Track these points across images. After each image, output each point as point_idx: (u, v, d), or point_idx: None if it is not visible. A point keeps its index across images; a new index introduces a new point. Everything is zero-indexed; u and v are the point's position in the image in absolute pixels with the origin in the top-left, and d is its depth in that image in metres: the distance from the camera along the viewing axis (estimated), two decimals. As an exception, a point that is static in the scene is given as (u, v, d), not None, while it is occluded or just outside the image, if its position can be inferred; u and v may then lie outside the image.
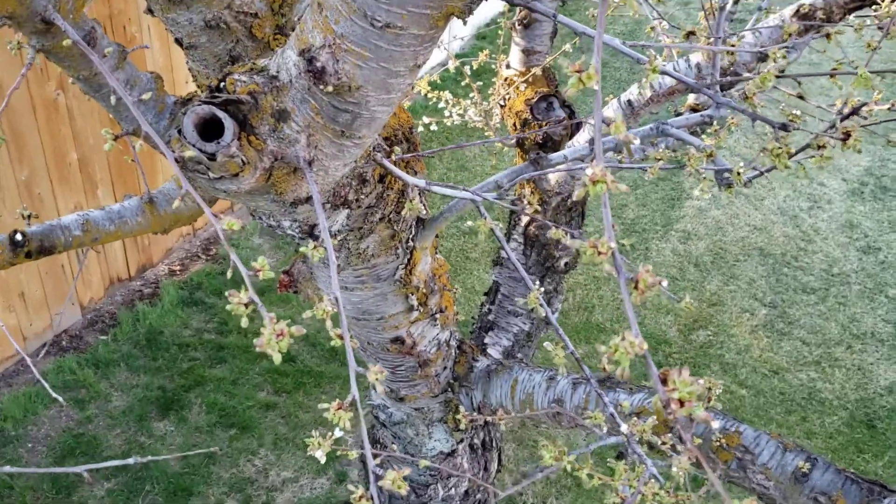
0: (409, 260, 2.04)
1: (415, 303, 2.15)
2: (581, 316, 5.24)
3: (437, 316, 2.32)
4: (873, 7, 2.09)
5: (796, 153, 1.50)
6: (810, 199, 6.49)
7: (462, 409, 2.56)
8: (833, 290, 5.59)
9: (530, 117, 3.26)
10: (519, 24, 3.34)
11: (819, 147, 1.47)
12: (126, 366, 4.66)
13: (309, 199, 1.36)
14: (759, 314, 5.35)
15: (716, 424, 1.95)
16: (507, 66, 3.38)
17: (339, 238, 1.85)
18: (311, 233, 1.62)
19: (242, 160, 1.18)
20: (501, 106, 3.40)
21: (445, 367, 2.50)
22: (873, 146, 7.15)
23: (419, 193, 1.94)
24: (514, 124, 3.26)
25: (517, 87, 3.35)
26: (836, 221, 6.26)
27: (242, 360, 4.75)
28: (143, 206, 1.78)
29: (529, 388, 2.37)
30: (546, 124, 3.23)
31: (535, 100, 3.28)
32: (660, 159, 1.85)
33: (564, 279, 3.65)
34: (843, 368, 5.01)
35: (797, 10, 2.81)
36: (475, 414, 2.54)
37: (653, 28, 3.27)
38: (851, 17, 2.88)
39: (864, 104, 1.50)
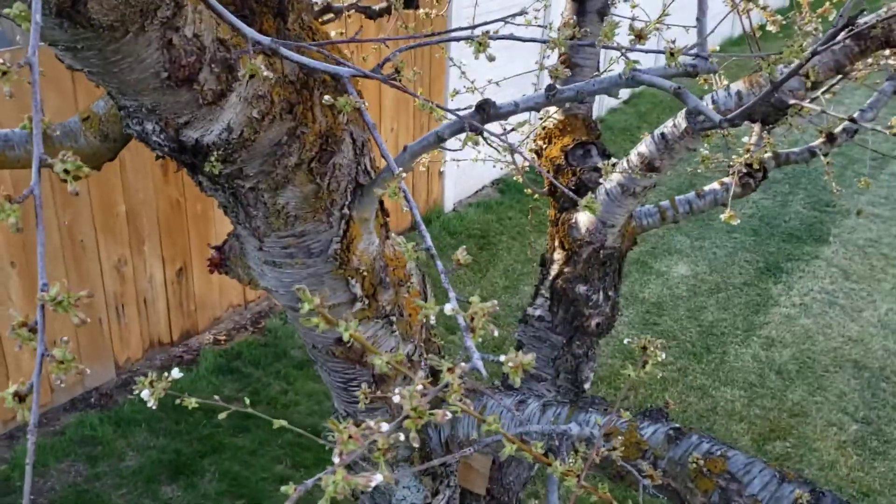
0: (345, 232, 1.77)
1: (358, 291, 1.86)
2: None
3: (393, 319, 2.01)
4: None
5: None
6: (918, 315, 5.81)
7: (430, 445, 2.20)
8: (942, 412, 4.86)
9: (564, 163, 3.01)
10: (558, 71, 3.14)
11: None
12: (147, 426, 4.46)
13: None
14: (848, 429, 4.67)
15: (703, 447, 1.53)
16: (548, 118, 3.16)
17: (249, 184, 1.61)
18: (182, 147, 1.39)
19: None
20: (538, 154, 3.16)
21: (410, 391, 2.15)
22: None
23: (356, 146, 1.70)
24: (548, 171, 3.01)
25: (556, 135, 3.13)
26: (948, 339, 5.54)
27: (266, 431, 4.47)
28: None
29: (497, 413, 1.99)
30: (580, 171, 2.96)
31: (571, 146, 3.04)
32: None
33: (597, 344, 3.25)
34: (952, 499, 4.25)
35: (850, 30, 2.49)
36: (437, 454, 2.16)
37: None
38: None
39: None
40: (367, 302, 1.90)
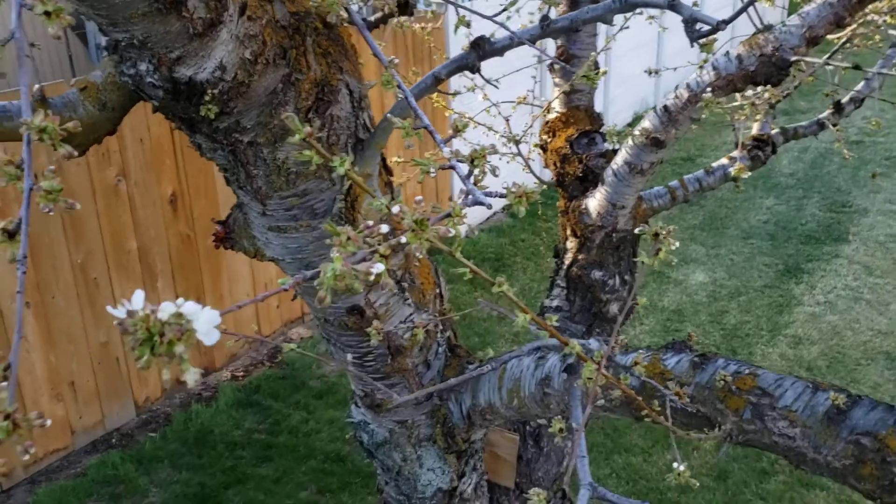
0: (348, 190, 1.75)
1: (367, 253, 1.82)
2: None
3: (405, 286, 1.97)
4: None
5: None
6: (946, 304, 5.69)
7: (452, 420, 2.14)
8: (981, 396, 4.72)
9: (570, 152, 3.00)
10: (556, 63, 3.15)
11: None
12: (170, 462, 4.39)
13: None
14: (886, 419, 4.53)
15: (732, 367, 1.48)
16: (549, 111, 3.16)
17: (247, 138, 1.60)
18: (176, 88, 1.37)
19: None
20: (543, 150, 3.15)
21: (428, 364, 2.11)
22: None
23: (354, 99, 1.68)
24: (555, 163, 2.99)
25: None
26: (979, 325, 5.41)
27: (289, 459, 4.39)
28: (35, 104, 1.60)
29: (517, 374, 1.94)
30: (587, 158, 2.95)
31: (575, 136, 3.03)
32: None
33: (622, 331, 3.19)
34: None
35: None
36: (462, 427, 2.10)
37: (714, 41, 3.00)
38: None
39: None
40: (376, 265, 1.87)
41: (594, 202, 2.79)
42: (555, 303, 3.10)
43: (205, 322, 0.52)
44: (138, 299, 0.53)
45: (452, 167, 0.90)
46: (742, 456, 4.30)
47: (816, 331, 5.44)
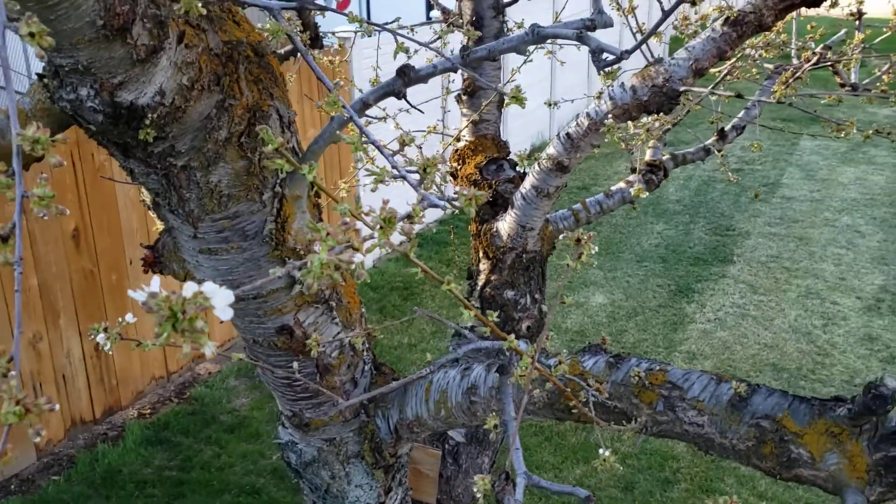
0: (278, 211, 1.81)
1: (297, 273, 1.89)
2: (579, 436, 4.77)
3: (333, 305, 2.04)
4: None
5: None
6: (824, 317, 6.12)
7: (379, 435, 2.21)
8: (858, 401, 5.09)
9: (480, 178, 3.14)
10: (464, 94, 3.30)
11: None
12: (75, 505, 4.25)
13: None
14: (776, 425, 4.84)
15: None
16: (458, 140, 3.30)
17: (181, 162, 1.65)
18: (116, 112, 1.42)
19: None
20: (454, 177, 3.28)
21: (355, 382, 2.17)
22: (887, 266, 6.87)
23: (283, 123, 1.76)
24: (465, 188, 3.12)
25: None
26: (854, 336, 5.85)
27: (203, 495, 4.31)
28: (-36, 131, 1.61)
29: (443, 385, 2.03)
30: (496, 183, 3.09)
31: (484, 163, 3.18)
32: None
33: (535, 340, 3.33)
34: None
35: (726, 19, 2.71)
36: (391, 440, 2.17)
37: (607, 75, 3.21)
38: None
39: None
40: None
41: (504, 225, 2.92)
42: (469, 323, 3.21)
43: (222, 299, 0.59)
44: (156, 284, 0.60)
45: (403, 176, 0.99)
46: (646, 468, 4.50)
47: (709, 346, 5.76)
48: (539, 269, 3.14)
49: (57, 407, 0.70)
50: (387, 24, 1.56)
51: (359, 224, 0.78)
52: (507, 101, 1.30)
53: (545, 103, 3.74)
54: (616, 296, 6.50)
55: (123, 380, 5.10)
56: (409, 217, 0.86)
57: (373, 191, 1.20)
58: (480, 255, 3.11)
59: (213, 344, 0.61)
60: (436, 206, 0.90)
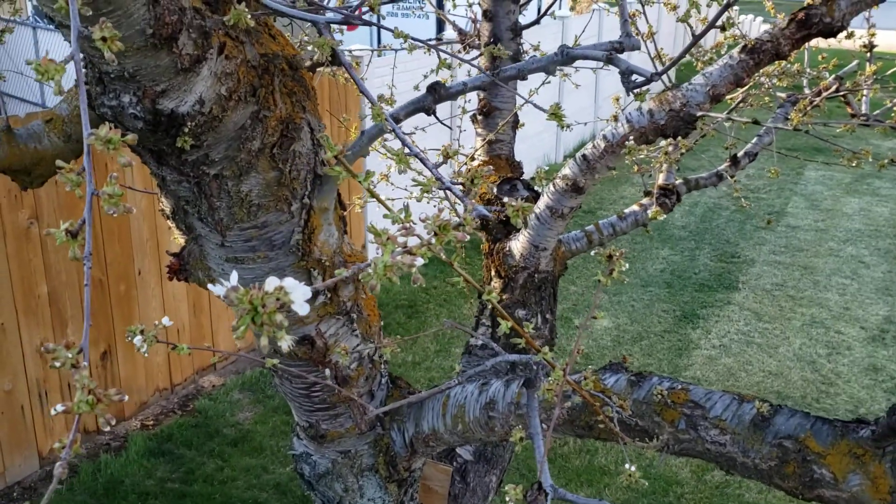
0: (306, 222, 1.83)
1: (321, 284, 1.90)
2: (583, 459, 4.77)
3: (354, 317, 2.06)
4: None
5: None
6: (828, 346, 6.13)
7: (394, 449, 2.22)
8: (862, 431, 5.09)
9: (493, 198, 3.17)
10: (479, 114, 3.34)
11: None
12: (77, 515, 4.24)
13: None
14: (780, 453, 4.83)
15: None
16: (473, 159, 3.34)
17: (214, 171, 1.67)
18: (157, 120, 1.44)
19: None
20: (467, 194, 3.31)
21: (372, 394, 2.18)
22: (891, 297, 6.89)
23: (314, 137, 1.78)
24: (478, 201, 3.15)
25: (482, 174, 3.30)
26: (858, 366, 5.85)
27: (205, 508, 4.31)
28: (1, 135, 1.64)
29: (461, 400, 2.04)
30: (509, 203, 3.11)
31: (498, 182, 3.21)
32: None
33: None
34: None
35: (744, 47, 2.75)
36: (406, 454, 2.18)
37: (617, 99, 3.25)
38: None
39: None
40: (328, 296, 1.95)
41: (517, 244, 2.95)
42: (479, 341, 3.22)
43: (300, 294, 0.61)
44: (234, 278, 0.62)
45: (449, 188, 1.02)
46: (650, 492, 4.49)
47: (713, 372, 5.76)
48: (551, 290, 3.16)
49: (126, 398, 0.71)
50: (429, 40, 1.59)
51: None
52: (546, 116, 1.33)
53: (559, 126, 3.77)
54: (621, 320, 6.51)
55: (128, 390, 5.10)
56: (461, 225, 0.88)
57: (418, 200, 1.22)
58: (492, 273, 3.12)
59: (290, 338, 0.63)
60: (484, 216, 0.92)
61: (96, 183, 0.82)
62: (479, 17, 3.09)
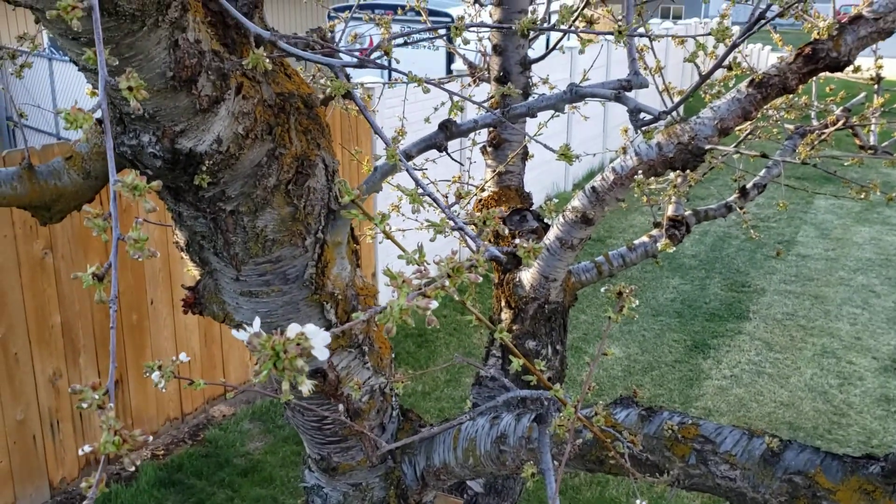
0: (319, 256, 1.86)
1: (333, 317, 1.93)
2: (594, 490, 4.75)
3: (366, 350, 2.08)
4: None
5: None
6: (840, 377, 6.10)
7: (405, 482, 2.22)
8: (875, 463, 5.05)
9: (502, 229, 3.19)
10: (489, 146, 3.38)
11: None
12: (87, 545, 4.23)
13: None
14: (792, 485, 4.80)
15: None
16: (483, 190, 3.37)
17: (230, 207, 1.71)
18: (175, 158, 1.48)
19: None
20: (476, 225, 3.33)
21: (383, 427, 2.20)
22: (901, 328, 6.86)
23: (328, 172, 1.82)
24: (489, 239, 3.18)
25: (494, 216, 3.34)
26: (870, 396, 5.82)
27: (215, 539, 4.30)
28: (22, 172, 1.67)
29: (472, 433, 2.05)
30: (518, 234, 3.14)
31: (508, 213, 3.23)
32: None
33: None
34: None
35: (751, 81, 2.78)
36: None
37: (626, 130, 3.28)
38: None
39: None
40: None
41: (527, 275, 2.96)
42: (490, 372, 3.23)
43: (320, 340, 0.64)
44: (257, 324, 0.64)
45: (461, 228, 1.04)
46: (662, 524, 4.47)
47: (725, 403, 5.74)
48: (561, 321, 3.17)
49: (151, 439, 0.74)
50: (442, 80, 1.63)
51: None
52: (556, 155, 1.35)
53: (567, 157, 3.80)
54: (632, 349, 6.50)
55: (138, 419, 5.11)
56: (474, 267, 0.90)
57: (431, 240, 1.25)
58: (502, 304, 3.14)
59: (310, 382, 0.65)
60: (496, 258, 0.95)
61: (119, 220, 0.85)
62: (490, 50, 3.13)
